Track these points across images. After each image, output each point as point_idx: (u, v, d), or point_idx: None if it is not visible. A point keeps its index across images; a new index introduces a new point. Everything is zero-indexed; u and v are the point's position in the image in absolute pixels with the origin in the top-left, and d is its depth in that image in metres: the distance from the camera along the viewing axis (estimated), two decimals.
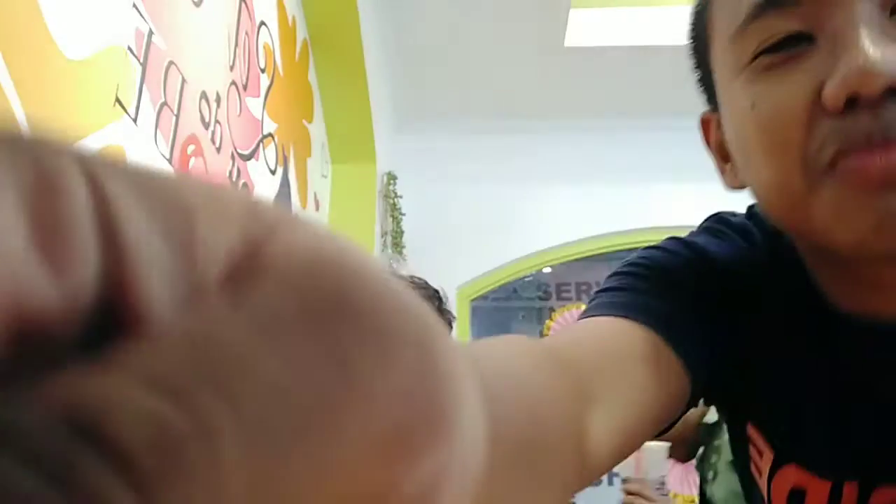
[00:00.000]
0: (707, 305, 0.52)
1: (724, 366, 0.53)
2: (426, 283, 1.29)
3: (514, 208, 3.38)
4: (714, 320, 0.52)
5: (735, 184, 0.52)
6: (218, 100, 1.53)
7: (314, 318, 0.09)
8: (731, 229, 0.58)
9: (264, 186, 1.92)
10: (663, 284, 0.52)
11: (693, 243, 0.56)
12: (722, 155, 0.54)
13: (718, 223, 0.59)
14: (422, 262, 3.17)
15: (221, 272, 0.10)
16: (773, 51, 0.45)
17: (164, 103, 1.26)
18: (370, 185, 2.77)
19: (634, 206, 3.35)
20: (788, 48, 0.44)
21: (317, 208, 2.48)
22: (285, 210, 0.11)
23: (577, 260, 3.35)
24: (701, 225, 0.61)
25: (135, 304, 0.09)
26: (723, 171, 0.54)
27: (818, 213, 0.43)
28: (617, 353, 0.46)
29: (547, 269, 3.38)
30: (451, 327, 1.29)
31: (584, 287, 3.40)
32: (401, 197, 3.04)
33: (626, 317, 0.48)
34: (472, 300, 3.34)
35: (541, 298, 3.39)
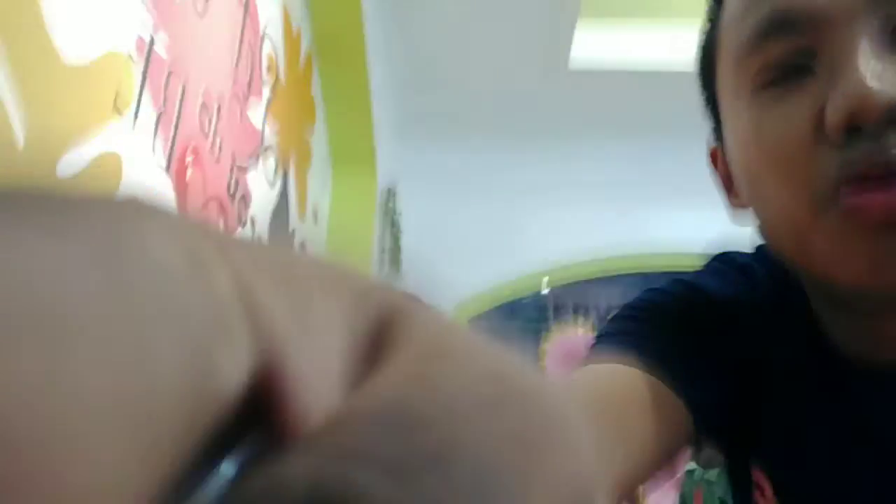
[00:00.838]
0: (707, 347, 0.52)
1: (727, 407, 0.52)
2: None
3: (516, 226, 3.38)
4: (715, 361, 0.52)
5: (740, 213, 0.52)
6: (219, 109, 1.52)
7: (498, 402, 0.10)
8: (735, 269, 0.57)
9: (263, 198, 1.91)
10: (662, 326, 0.52)
11: (693, 284, 0.56)
12: (729, 185, 0.54)
13: (722, 263, 0.59)
14: (422, 275, 3.15)
15: (362, 351, 0.11)
16: (775, 76, 0.44)
17: (164, 111, 1.25)
18: (371, 199, 2.76)
19: (637, 229, 3.34)
20: (790, 73, 0.43)
21: (315, 221, 2.47)
22: (394, 287, 0.13)
23: (576, 282, 3.34)
24: (705, 264, 0.60)
25: (286, 392, 0.10)
26: (730, 203, 0.54)
27: (819, 247, 0.43)
28: (611, 399, 0.46)
29: (545, 290, 3.36)
30: None
31: (582, 309, 3.39)
32: (400, 214, 3.04)
33: (622, 360, 0.48)
34: (470, 318, 3.32)
35: (539, 319, 3.37)
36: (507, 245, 3.35)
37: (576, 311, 3.39)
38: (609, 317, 0.56)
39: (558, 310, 3.39)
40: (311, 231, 2.39)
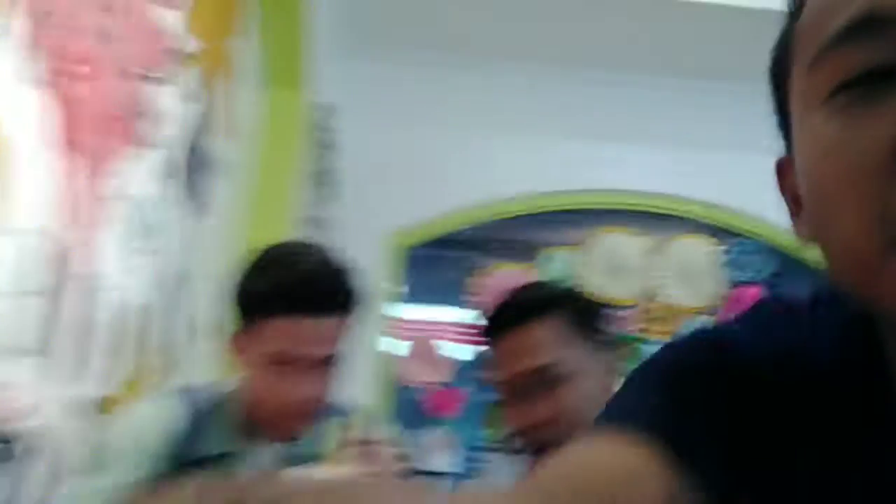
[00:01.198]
0: (727, 416, 0.48)
1: (747, 482, 0.48)
2: (335, 263, 1.09)
3: (465, 153, 3.20)
4: (741, 429, 0.48)
5: (806, 237, 0.47)
6: (118, 12, 1.27)
7: None
8: (785, 316, 0.52)
9: (178, 113, 1.67)
10: (677, 396, 0.48)
11: (723, 340, 0.51)
12: (795, 202, 0.49)
13: (772, 305, 0.54)
14: (358, 202, 2.97)
15: None
16: (855, 86, 0.40)
17: (42, 12, 1.00)
18: (305, 116, 2.52)
19: (588, 165, 3.21)
20: (872, 84, 0.39)
21: (241, 141, 2.23)
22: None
23: (518, 217, 3.21)
24: (751, 308, 0.55)
25: None
26: (794, 220, 0.49)
27: (887, 286, 0.38)
28: (611, 485, 0.43)
29: (490, 222, 3.22)
30: (363, 307, 1.10)
31: (521, 245, 3.27)
32: (337, 132, 2.81)
33: (628, 438, 0.45)
34: (409, 247, 3.16)
35: (479, 253, 3.24)
36: (450, 174, 3.18)
37: (515, 247, 3.27)
38: (626, 377, 0.53)
39: (498, 245, 3.26)
40: (232, 150, 2.16)
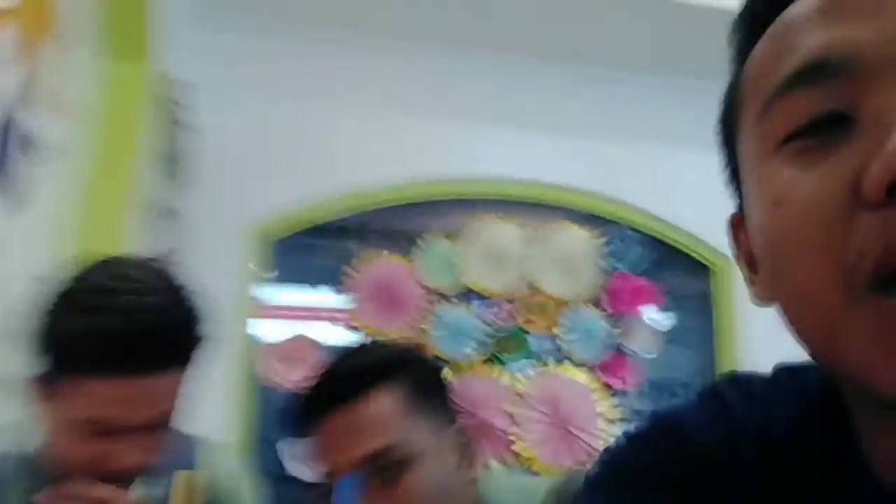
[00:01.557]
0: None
1: None
2: (172, 299, 0.86)
3: (339, 136, 2.99)
4: None
5: (764, 298, 0.46)
6: None
7: None
8: (743, 395, 0.50)
9: None
10: (634, 496, 0.48)
11: (679, 427, 0.50)
12: (750, 262, 0.48)
13: (728, 384, 0.52)
14: (218, 188, 2.72)
15: None
16: (806, 134, 0.39)
17: None
18: (151, 91, 2.22)
19: (466, 152, 3.08)
20: (824, 131, 0.38)
21: (72, 117, 1.91)
22: None
23: (393, 206, 3.03)
24: (707, 390, 0.52)
25: None
26: (751, 283, 0.48)
27: (852, 341, 0.36)
28: None
29: (366, 211, 3.03)
30: (202, 348, 0.89)
31: (397, 235, 3.09)
32: (194, 110, 2.53)
33: None
34: (276, 237, 2.92)
35: (353, 242, 3.05)
36: (320, 158, 2.96)
37: (391, 236, 3.09)
38: (585, 474, 0.53)
39: (373, 234, 3.07)
40: (62, 129, 1.85)
